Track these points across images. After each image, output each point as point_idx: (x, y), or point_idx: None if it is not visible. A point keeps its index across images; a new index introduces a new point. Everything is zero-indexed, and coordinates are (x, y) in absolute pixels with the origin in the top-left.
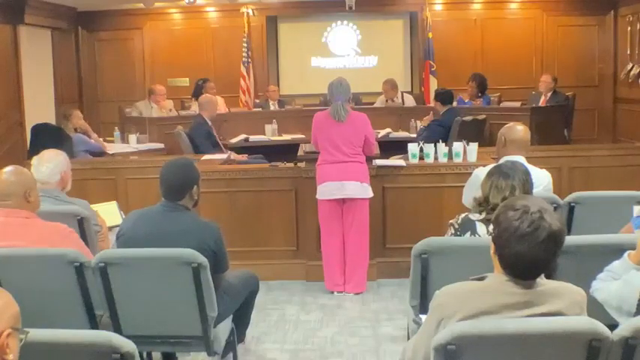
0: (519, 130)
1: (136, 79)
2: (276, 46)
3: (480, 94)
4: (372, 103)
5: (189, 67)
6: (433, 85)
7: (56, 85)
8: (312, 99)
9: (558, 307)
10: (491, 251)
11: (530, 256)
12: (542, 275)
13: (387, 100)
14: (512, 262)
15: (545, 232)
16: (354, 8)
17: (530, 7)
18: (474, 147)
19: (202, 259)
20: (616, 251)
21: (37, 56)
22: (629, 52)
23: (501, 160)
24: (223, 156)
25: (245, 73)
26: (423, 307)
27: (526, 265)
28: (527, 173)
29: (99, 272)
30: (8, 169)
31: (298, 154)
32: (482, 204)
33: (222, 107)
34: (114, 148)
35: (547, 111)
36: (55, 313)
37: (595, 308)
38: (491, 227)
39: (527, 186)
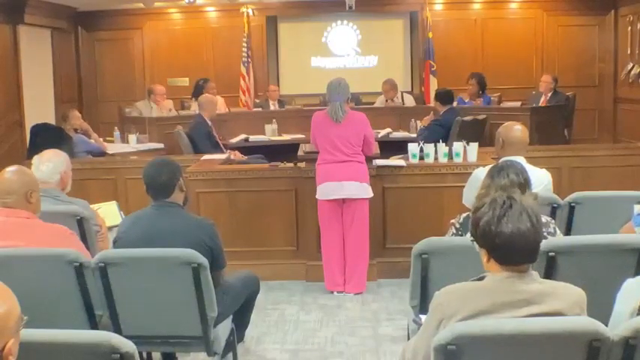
0: (517, 130)
1: (136, 79)
2: (276, 46)
3: (480, 93)
4: (372, 103)
5: (189, 67)
6: (433, 85)
7: (56, 85)
8: (312, 99)
9: (558, 307)
10: (484, 260)
11: (517, 232)
12: (538, 275)
13: (387, 100)
14: (506, 248)
15: (518, 205)
16: (354, 8)
17: (531, 6)
18: (474, 147)
19: (202, 260)
20: (616, 251)
21: (36, 56)
22: (629, 52)
23: (501, 161)
24: (223, 156)
25: (245, 73)
26: (423, 307)
27: (518, 245)
28: (524, 172)
29: (99, 272)
30: (12, 168)
31: (298, 154)
32: None
33: (222, 107)
34: (114, 148)
35: (547, 111)
36: (55, 313)
37: (595, 309)
38: None
39: (525, 185)
